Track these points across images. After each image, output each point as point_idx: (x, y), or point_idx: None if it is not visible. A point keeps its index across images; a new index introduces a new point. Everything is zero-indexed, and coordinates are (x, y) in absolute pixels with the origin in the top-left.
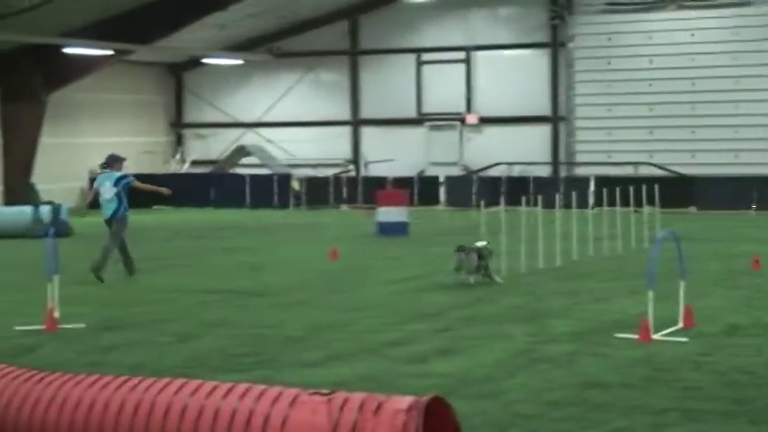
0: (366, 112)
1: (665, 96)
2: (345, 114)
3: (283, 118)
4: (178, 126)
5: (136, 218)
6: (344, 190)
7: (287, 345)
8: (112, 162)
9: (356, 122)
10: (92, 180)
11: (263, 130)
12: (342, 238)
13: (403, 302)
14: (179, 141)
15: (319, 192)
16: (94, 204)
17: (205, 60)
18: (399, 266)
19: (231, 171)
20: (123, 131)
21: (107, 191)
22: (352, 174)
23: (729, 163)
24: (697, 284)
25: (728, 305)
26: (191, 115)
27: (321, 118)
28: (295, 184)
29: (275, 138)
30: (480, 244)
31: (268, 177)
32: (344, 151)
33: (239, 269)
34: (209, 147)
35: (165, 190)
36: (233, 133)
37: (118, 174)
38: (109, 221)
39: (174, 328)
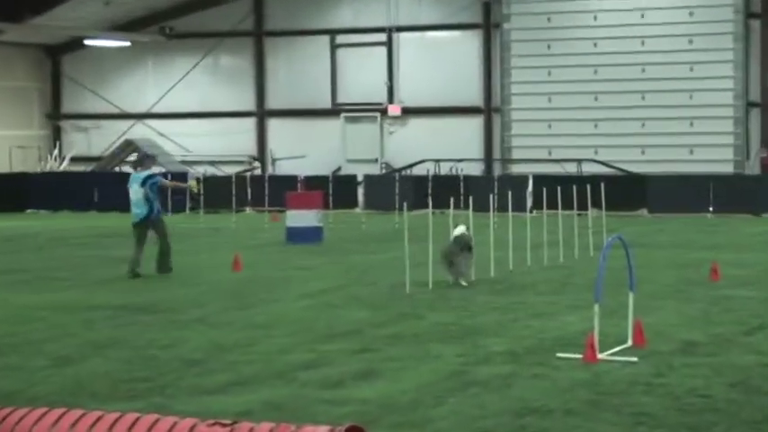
0: (273, 102)
1: (611, 85)
2: (249, 104)
3: (178, 108)
4: (55, 117)
5: (4, 224)
6: (249, 191)
7: (184, 368)
8: (143, 160)
9: (262, 114)
10: None
11: (155, 123)
12: (246, 245)
13: (316, 319)
14: (57, 135)
15: (220, 193)
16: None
17: (87, 42)
18: (312, 278)
19: (117, 169)
20: None
21: (135, 192)
22: (258, 172)
23: (684, 160)
24: (649, 297)
25: (683, 320)
26: (70, 105)
27: (221, 108)
28: (192, 185)
29: (168, 131)
30: (459, 231)
31: (160, 176)
32: (249, 147)
33: (128, 282)
34: (91, 141)
35: (193, 184)
36: (119, 126)
37: (145, 173)
38: (137, 225)
39: (53, 351)
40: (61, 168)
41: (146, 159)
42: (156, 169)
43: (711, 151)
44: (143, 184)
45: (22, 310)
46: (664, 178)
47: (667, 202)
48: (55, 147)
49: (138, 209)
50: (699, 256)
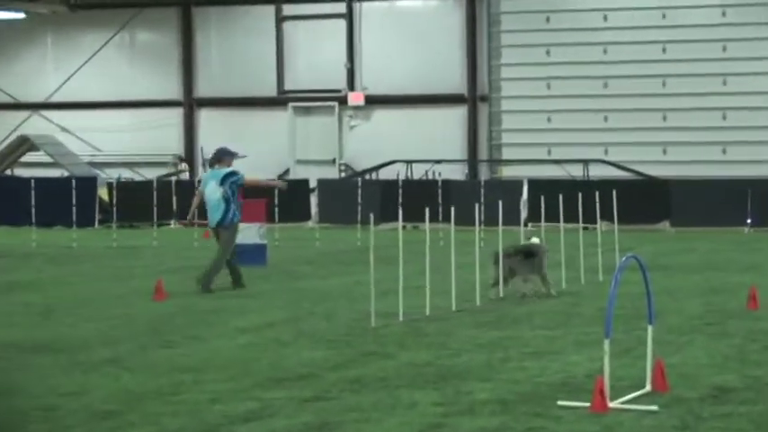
0: (204, 90)
1: (625, 67)
2: (175, 92)
3: (84, 97)
4: None
5: None
6: (174, 200)
7: (93, 422)
8: (222, 156)
9: (190, 104)
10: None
11: (56, 114)
12: (171, 268)
13: (258, 359)
14: None
15: (138, 202)
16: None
17: None
18: (253, 308)
19: (8, 172)
20: None
21: (213, 191)
22: (186, 177)
23: (715, 161)
24: (672, 331)
25: (715, 359)
26: None
27: (139, 97)
28: (102, 192)
29: (73, 125)
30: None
31: (63, 182)
32: (174, 145)
33: (22, 314)
34: None
35: (281, 183)
36: (11, 118)
37: (225, 170)
38: (216, 229)
39: None
40: None
41: (225, 155)
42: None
43: (749, 150)
44: (222, 182)
45: None
46: (690, 184)
47: (695, 213)
48: None
49: (215, 212)
50: (734, 280)
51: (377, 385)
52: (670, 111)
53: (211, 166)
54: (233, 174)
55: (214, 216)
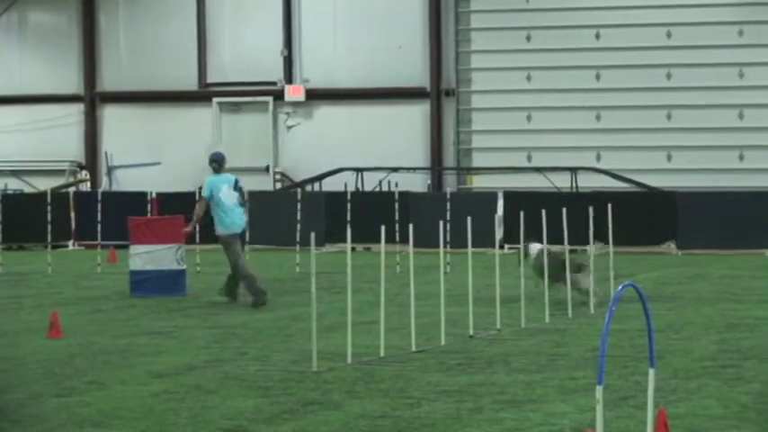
0: (110, 82)
1: (622, 55)
2: (73, 85)
3: None
4: None
5: None
6: (73, 215)
7: None
8: (221, 160)
9: (92, 99)
10: None
11: None
12: (68, 299)
13: (175, 411)
14: None
15: (28, 218)
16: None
17: None
18: (169, 348)
19: None
20: None
21: (229, 197)
22: (87, 187)
23: (730, 169)
24: (678, 375)
25: (730, 410)
26: None
27: (30, 91)
28: None
29: None
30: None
31: None
32: (73, 149)
33: None
34: None
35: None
36: None
37: (233, 176)
38: (239, 236)
39: None
40: None
41: (224, 161)
42: None
43: None
44: (236, 186)
45: None
46: (700, 197)
47: (706, 231)
48: None
49: (238, 217)
50: (753, 314)
51: None
52: (676, 108)
53: (216, 171)
54: (237, 180)
55: (238, 221)
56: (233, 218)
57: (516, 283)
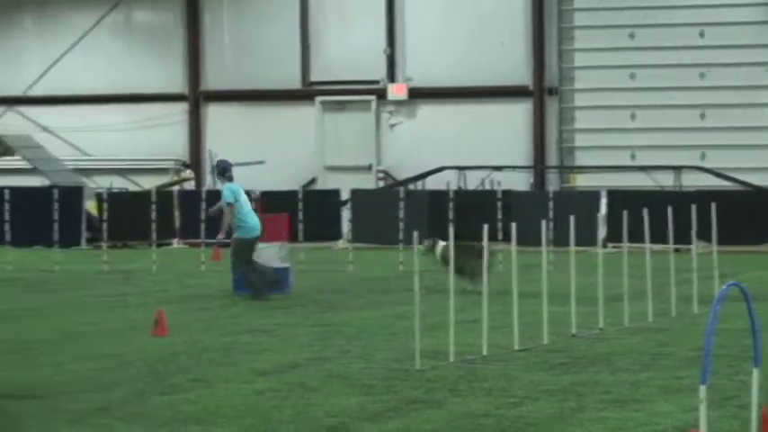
0: (214, 81)
1: (727, 54)
2: (178, 84)
3: (69, 90)
4: None
5: None
6: (177, 214)
7: None
8: (227, 168)
9: (196, 98)
10: None
11: (34, 111)
12: (173, 297)
13: (279, 408)
14: None
15: (133, 217)
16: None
17: None
18: (273, 346)
19: None
20: None
21: (246, 202)
22: (191, 186)
23: None
24: None
25: None
26: None
27: (136, 90)
28: (90, 205)
29: (55, 124)
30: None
31: (43, 192)
32: (177, 148)
33: None
34: None
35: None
36: None
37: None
38: (258, 239)
39: None
40: None
41: (229, 167)
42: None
43: None
44: (246, 192)
45: None
46: None
47: None
48: None
49: (256, 222)
50: None
51: None
52: None
53: (230, 180)
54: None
55: (257, 226)
56: (253, 223)
57: (619, 282)
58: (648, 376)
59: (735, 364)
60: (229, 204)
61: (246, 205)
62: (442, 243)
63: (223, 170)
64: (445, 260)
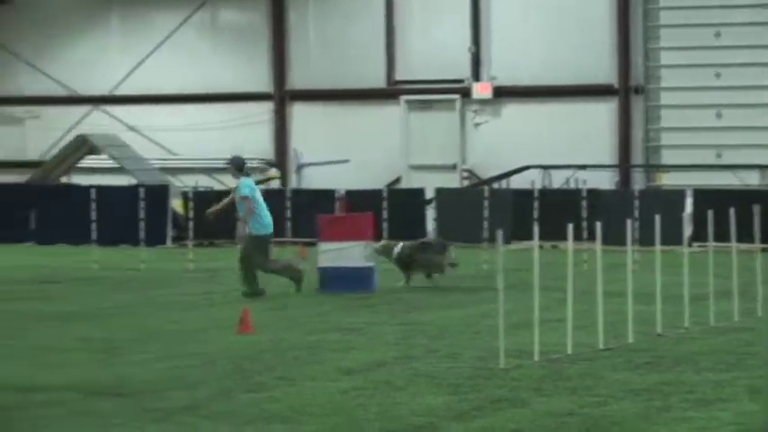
0: (299, 80)
1: None
2: (263, 83)
3: (155, 89)
4: None
5: None
6: None
7: None
8: (243, 164)
9: (282, 97)
10: None
11: (121, 110)
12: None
13: (365, 406)
14: None
15: (219, 216)
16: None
17: None
18: (359, 345)
19: (64, 180)
20: None
21: (262, 199)
22: (276, 185)
23: None
24: None
25: None
26: None
27: (221, 89)
28: (177, 204)
29: (141, 123)
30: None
31: (129, 191)
32: (262, 146)
33: (81, 351)
34: (25, 138)
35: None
36: (68, 114)
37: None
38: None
39: None
40: None
41: (245, 162)
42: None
43: None
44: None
45: None
46: None
47: None
48: None
49: (270, 217)
50: None
51: None
52: None
53: (247, 175)
54: None
55: (271, 221)
56: (268, 218)
57: (705, 281)
58: (734, 376)
59: None
60: (245, 198)
61: (262, 202)
62: (400, 244)
63: (240, 166)
64: (400, 260)
